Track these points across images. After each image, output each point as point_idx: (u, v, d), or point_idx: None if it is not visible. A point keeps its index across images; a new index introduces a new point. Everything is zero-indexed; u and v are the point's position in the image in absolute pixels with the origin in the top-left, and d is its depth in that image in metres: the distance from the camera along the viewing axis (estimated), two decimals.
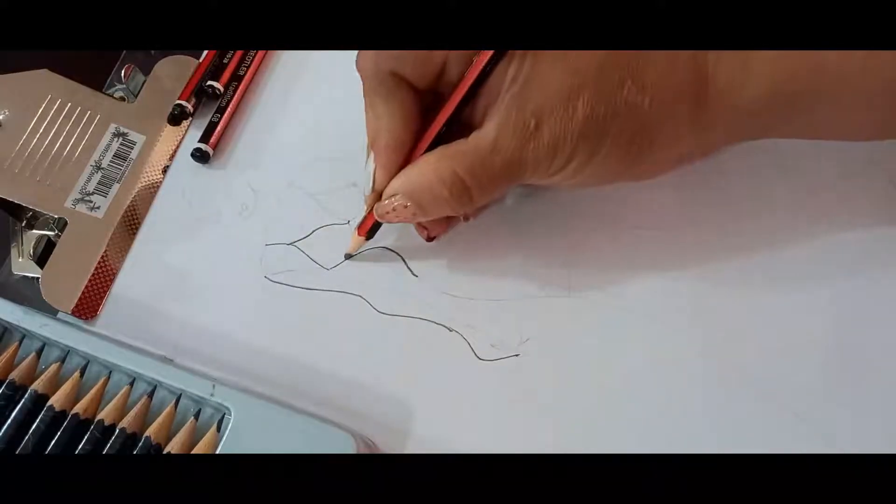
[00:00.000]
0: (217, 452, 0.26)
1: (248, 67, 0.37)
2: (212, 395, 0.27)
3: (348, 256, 0.32)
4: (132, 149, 0.36)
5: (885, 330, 0.27)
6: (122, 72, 0.38)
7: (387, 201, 0.26)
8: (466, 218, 0.30)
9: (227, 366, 0.30)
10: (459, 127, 0.25)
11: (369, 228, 0.29)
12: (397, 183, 0.26)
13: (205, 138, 0.35)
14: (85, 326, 0.32)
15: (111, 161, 0.35)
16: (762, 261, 0.29)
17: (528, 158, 0.24)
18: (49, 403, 0.28)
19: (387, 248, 0.32)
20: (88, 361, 0.29)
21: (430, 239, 0.30)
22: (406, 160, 0.26)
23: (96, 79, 0.38)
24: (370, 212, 0.28)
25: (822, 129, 0.26)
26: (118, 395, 0.28)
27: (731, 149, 0.31)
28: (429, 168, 0.25)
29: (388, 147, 0.26)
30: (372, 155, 0.27)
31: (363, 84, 0.26)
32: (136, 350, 0.29)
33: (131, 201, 0.35)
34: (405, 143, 0.26)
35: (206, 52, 0.37)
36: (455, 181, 0.24)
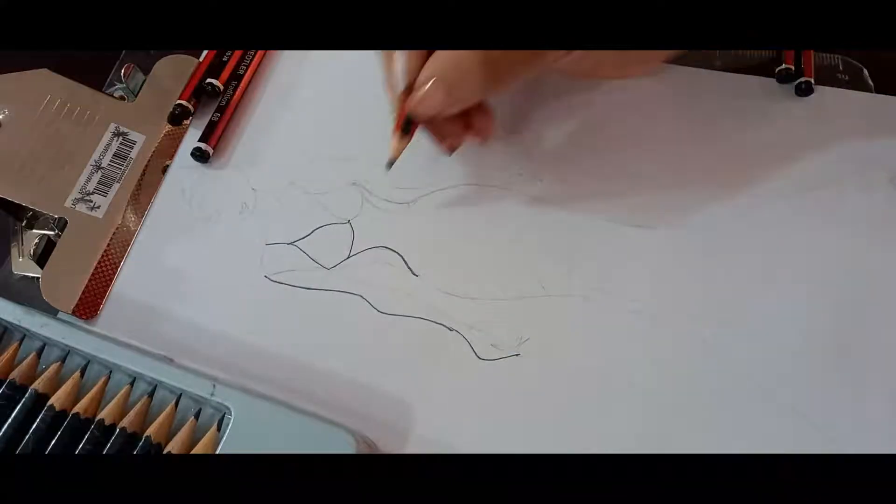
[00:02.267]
0: (217, 452, 0.26)
1: (247, 66, 0.37)
2: (212, 394, 0.27)
3: (391, 164, 0.30)
4: (132, 148, 0.36)
5: (886, 329, 0.27)
6: (122, 71, 0.38)
7: (419, 91, 0.27)
8: (483, 136, 0.30)
9: (227, 366, 0.30)
10: None
11: (404, 124, 0.29)
12: (429, 68, 0.26)
13: (205, 138, 0.35)
14: (85, 326, 0.32)
15: (111, 161, 0.35)
16: (762, 260, 0.29)
17: None
18: (49, 403, 0.28)
19: (387, 248, 0.32)
20: (88, 361, 0.29)
21: (451, 149, 0.31)
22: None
23: (96, 78, 0.38)
24: (402, 108, 0.28)
25: None
26: (118, 395, 0.28)
27: (732, 153, 0.31)
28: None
29: None
30: (398, 53, 0.27)
31: None
32: (136, 350, 0.29)
33: (131, 201, 0.35)
34: None
35: (206, 52, 0.37)
36: (484, 52, 0.25)
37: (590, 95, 0.33)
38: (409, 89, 0.27)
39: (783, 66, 0.32)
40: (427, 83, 0.26)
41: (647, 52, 0.27)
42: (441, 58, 0.26)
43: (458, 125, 0.30)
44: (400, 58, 0.27)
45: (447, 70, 0.26)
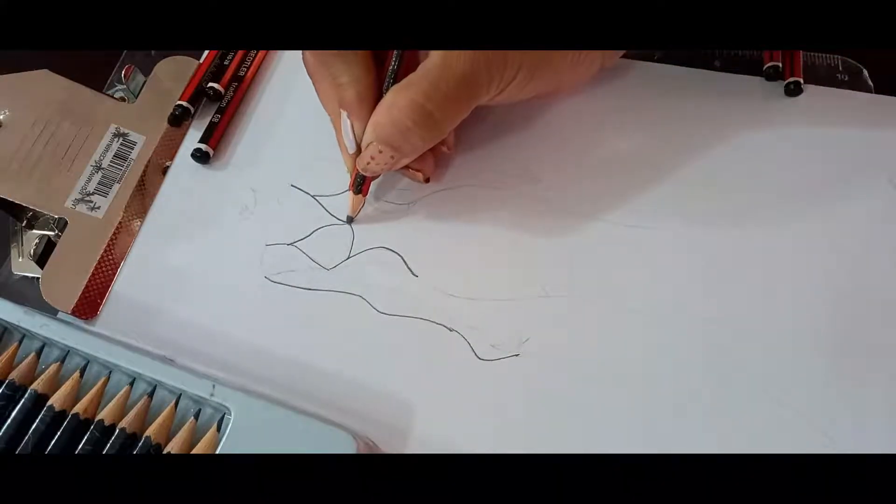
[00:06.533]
0: (217, 452, 0.26)
1: (248, 68, 0.37)
2: (212, 395, 0.27)
3: (350, 220, 0.32)
4: (132, 149, 0.36)
5: (885, 330, 0.27)
6: (123, 72, 0.38)
7: (365, 152, 0.27)
8: (449, 148, 0.31)
9: (227, 366, 0.30)
10: (412, 64, 0.26)
11: (357, 184, 0.31)
12: (367, 132, 0.27)
13: (205, 139, 0.35)
14: (85, 326, 0.32)
15: (111, 161, 0.35)
16: (762, 261, 0.29)
17: (481, 71, 0.25)
18: (49, 403, 0.28)
19: (387, 249, 0.32)
20: (88, 361, 0.29)
21: (426, 180, 0.31)
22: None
23: (96, 79, 0.38)
24: (354, 168, 0.29)
25: None
26: (118, 395, 0.28)
27: (732, 153, 0.31)
28: (387, 105, 0.26)
29: (359, 97, 0.27)
30: (344, 114, 0.28)
31: (310, 60, 0.28)
32: (136, 350, 0.29)
33: (131, 201, 0.35)
34: (371, 90, 0.27)
35: (206, 53, 0.37)
36: (414, 108, 0.25)
37: (587, 97, 0.33)
38: (359, 149, 0.28)
39: (770, 63, 0.32)
40: (370, 143, 0.27)
41: (575, 73, 0.28)
42: (379, 119, 0.26)
43: (423, 154, 0.30)
44: (346, 121, 0.28)
45: (386, 131, 0.26)
